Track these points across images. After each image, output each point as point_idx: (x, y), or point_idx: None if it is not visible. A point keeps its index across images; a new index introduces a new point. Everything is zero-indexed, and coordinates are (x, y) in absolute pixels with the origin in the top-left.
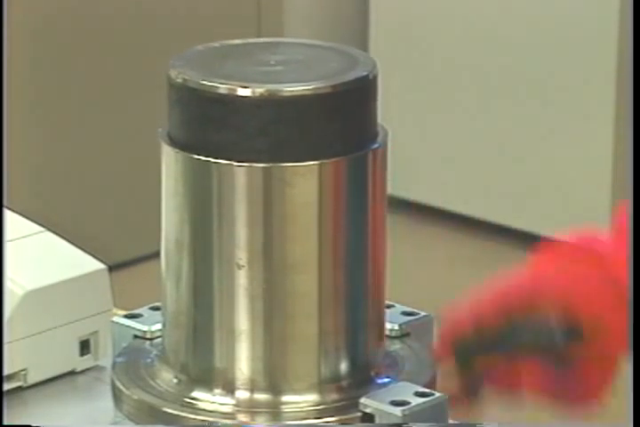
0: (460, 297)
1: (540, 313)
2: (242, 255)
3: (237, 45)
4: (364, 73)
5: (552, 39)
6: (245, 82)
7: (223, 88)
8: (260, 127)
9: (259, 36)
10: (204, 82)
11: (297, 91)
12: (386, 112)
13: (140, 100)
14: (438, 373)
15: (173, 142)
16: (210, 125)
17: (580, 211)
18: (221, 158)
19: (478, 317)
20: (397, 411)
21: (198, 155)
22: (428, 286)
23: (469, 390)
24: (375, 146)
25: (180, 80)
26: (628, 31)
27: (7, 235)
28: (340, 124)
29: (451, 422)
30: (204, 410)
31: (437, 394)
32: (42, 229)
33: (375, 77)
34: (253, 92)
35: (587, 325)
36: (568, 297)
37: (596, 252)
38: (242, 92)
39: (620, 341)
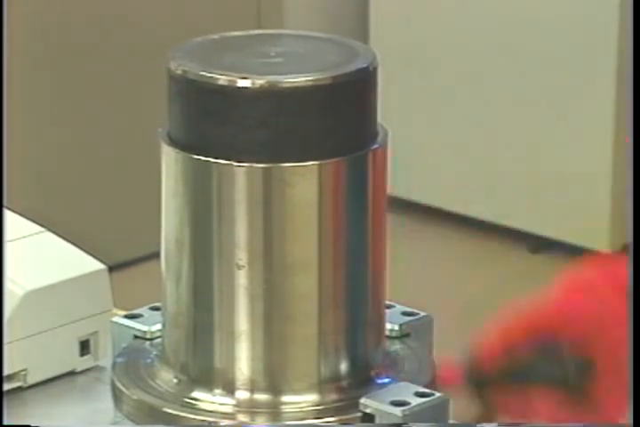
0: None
1: (556, 345)
2: (242, 255)
3: (237, 37)
4: (364, 65)
5: (552, 38)
6: (245, 73)
7: (223, 79)
8: (260, 119)
9: (259, 28)
10: (204, 73)
11: (297, 82)
12: (386, 112)
13: (140, 100)
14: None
15: (173, 142)
16: (210, 117)
17: (580, 211)
18: (222, 151)
19: (510, 346)
20: (397, 411)
21: (198, 154)
22: (428, 286)
23: (483, 417)
24: (375, 146)
25: (179, 72)
26: (628, 31)
27: (7, 235)
28: (340, 115)
29: (451, 422)
30: (204, 410)
31: (437, 394)
32: (42, 229)
33: (375, 69)
34: (253, 84)
35: (601, 359)
36: (589, 331)
37: (619, 278)
38: (242, 83)
39: None
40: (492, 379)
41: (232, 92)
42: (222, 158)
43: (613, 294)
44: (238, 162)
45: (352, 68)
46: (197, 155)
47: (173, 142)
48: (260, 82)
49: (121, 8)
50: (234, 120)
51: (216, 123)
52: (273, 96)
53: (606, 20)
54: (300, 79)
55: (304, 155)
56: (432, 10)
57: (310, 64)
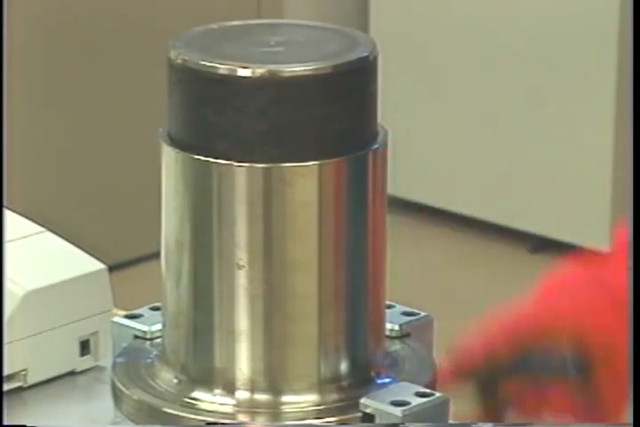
0: (469, 327)
1: (552, 343)
2: (242, 255)
3: (237, 27)
4: (365, 54)
5: (553, 38)
6: (246, 62)
7: (223, 69)
8: (260, 108)
9: (258, 18)
10: (205, 62)
11: (298, 71)
12: (386, 111)
13: (140, 100)
14: (453, 396)
15: (173, 142)
16: (210, 107)
17: (580, 211)
18: (222, 142)
19: (490, 347)
20: (398, 411)
21: (198, 153)
22: (428, 286)
23: (493, 414)
24: (375, 146)
25: (179, 61)
26: (628, 31)
27: (7, 235)
28: (341, 105)
29: (450, 422)
30: (204, 410)
31: (438, 394)
32: (42, 229)
33: (375, 58)
34: (254, 73)
35: (598, 354)
36: (578, 327)
37: (598, 275)
38: (242, 72)
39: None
40: (488, 378)
41: (232, 82)
42: (222, 150)
43: (590, 290)
44: (238, 161)
45: (353, 56)
46: (197, 154)
47: (173, 142)
48: (260, 71)
49: (120, 5)
50: (234, 109)
51: (216, 112)
52: (273, 85)
53: (606, 20)
54: (300, 68)
55: (305, 145)
56: (433, 4)
57: (311, 53)
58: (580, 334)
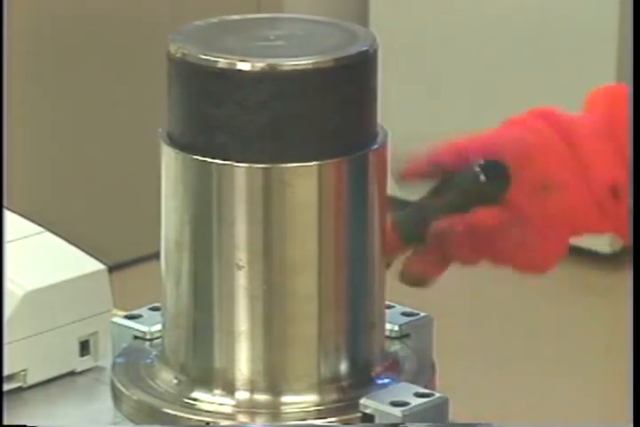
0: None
1: (469, 163)
2: (242, 256)
3: (236, 21)
4: (365, 47)
5: (553, 33)
6: (245, 56)
7: (223, 62)
8: (260, 102)
9: (258, 13)
10: (204, 56)
11: (298, 65)
12: (386, 111)
13: (139, 100)
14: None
15: (173, 142)
16: (210, 101)
17: None
18: (222, 135)
19: (435, 156)
20: (397, 412)
21: (196, 153)
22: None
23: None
24: (375, 146)
25: (179, 55)
26: (629, 31)
27: (7, 235)
28: (340, 98)
29: (450, 422)
30: (203, 411)
31: (437, 395)
32: (41, 229)
33: (375, 52)
34: (253, 67)
35: (512, 161)
36: (500, 144)
37: (556, 118)
38: (242, 66)
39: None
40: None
41: (232, 75)
42: (221, 144)
43: (550, 129)
44: (237, 155)
45: (353, 50)
46: (197, 153)
47: (173, 142)
48: (260, 64)
49: (119, 5)
50: (234, 103)
51: (216, 106)
52: (273, 79)
53: (606, 20)
54: (300, 62)
55: (305, 139)
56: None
57: (310, 47)
58: (495, 151)
